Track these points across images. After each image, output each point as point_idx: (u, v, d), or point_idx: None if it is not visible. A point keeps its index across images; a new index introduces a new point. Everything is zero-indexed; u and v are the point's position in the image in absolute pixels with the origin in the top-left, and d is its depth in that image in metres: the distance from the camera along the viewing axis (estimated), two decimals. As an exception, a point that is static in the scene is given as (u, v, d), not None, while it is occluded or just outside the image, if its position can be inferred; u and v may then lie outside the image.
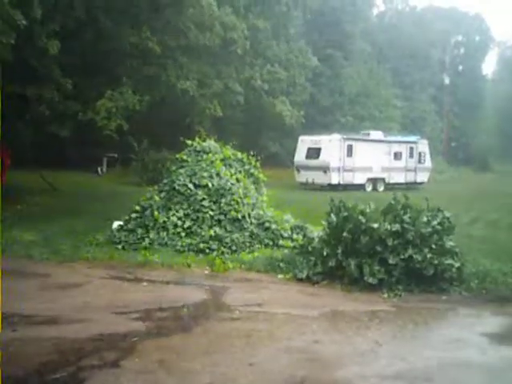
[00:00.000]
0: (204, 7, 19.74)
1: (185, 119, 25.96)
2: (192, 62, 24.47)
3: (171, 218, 11.88)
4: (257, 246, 12.22)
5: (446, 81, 62.58)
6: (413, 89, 52.76)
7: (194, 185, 12.31)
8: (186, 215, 12.04)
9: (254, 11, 29.73)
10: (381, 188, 29.20)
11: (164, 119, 26.86)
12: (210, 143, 13.46)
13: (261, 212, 12.92)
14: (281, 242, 12.39)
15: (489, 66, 69.06)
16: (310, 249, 11.16)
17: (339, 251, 10.50)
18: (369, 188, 28.86)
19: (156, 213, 11.94)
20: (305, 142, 28.66)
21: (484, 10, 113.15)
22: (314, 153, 27.92)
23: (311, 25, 36.99)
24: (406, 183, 30.40)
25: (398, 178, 30.29)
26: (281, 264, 11.22)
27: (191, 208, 12.09)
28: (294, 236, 12.59)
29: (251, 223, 12.44)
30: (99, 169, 30.65)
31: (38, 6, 14.25)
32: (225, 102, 26.91)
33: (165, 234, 11.74)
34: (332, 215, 11.12)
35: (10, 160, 21.81)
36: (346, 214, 10.84)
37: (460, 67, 63.93)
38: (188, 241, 11.67)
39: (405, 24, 53.74)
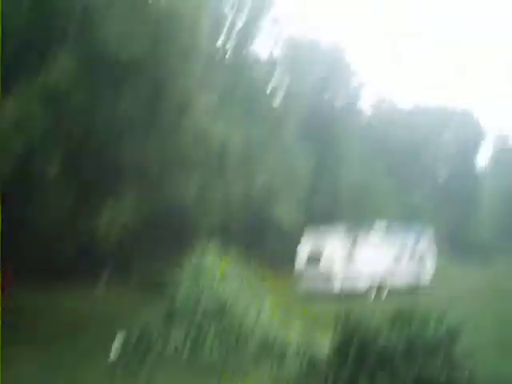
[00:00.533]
0: (200, 123, 20.25)
1: (184, 230, 25.85)
2: (189, 175, 24.74)
3: (171, 339, 11.37)
4: (261, 365, 11.61)
5: (441, 179, 63.49)
6: (409, 186, 53.27)
7: (194, 303, 11.90)
8: (187, 336, 11.55)
9: (248, 121, 30.68)
10: (384, 293, 28.22)
11: (164, 231, 26.71)
12: (210, 255, 13.21)
13: (264, 327, 12.41)
14: (286, 359, 11.80)
15: (482, 161, 70.18)
16: (317, 366, 10.66)
17: (347, 371, 10.04)
18: (372, 294, 27.80)
19: (155, 335, 11.46)
20: (305, 247, 28.11)
21: (472, 104, 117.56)
22: (315, 258, 27.27)
23: (304, 131, 38.07)
24: (409, 286, 29.54)
25: (402, 280, 29.45)
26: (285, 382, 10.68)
27: (192, 328, 11.62)
28: (301, 352, 12.01)
29: (253, 342, 11.89)
30: (97, 287, 29.92)
31: (36, 133, 14.46)
32: (223, 211, 26.91)
33: (165, 356, 11.19)
34: (338, 332, 10.74)
35: (10, 281, 21.26)
36: (352, 331, 10.50)
37: (454, 162, 64.88)
38: (190, 362, 11.10)
39: (394, 127, 55.35)
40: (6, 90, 16.10)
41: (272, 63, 36.72)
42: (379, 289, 28.18)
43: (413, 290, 28.58)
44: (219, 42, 36.24)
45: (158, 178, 21.57)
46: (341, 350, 10.52)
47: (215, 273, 12.63)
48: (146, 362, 11.18)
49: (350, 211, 39.54)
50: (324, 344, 11.59)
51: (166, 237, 24.16)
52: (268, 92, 34.87)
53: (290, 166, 31.73)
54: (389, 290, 28.37)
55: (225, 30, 35.74)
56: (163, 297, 12.43)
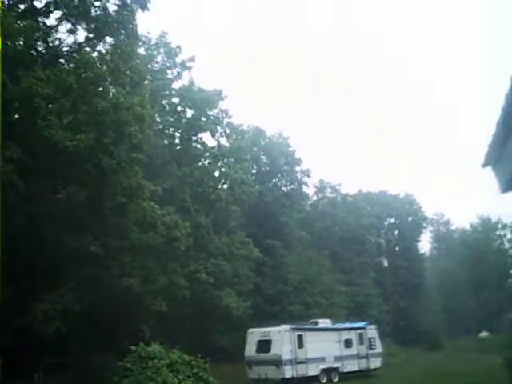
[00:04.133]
0: (146, 210, 20.31)
1: (129, 317, 25.07)
2: (135, 260, 24.43)
3: None
4: None
5: (385, 263, 64.60)
6: (354, 273, 53.96)
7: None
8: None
9: (196, 208, 30.98)
10: (335, 378, 27.95)
11: (107, 319, 25.75)
12: (155, 347, 12.77)
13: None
14: None
15: (425, 244, 72.09)
16: None
17: None
18: (323, 379, 27.46)
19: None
20: (254, 335, 27.61)
21: (414, 188, 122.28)
22: (264, 346, 26.77)
23: (250, 217, 38.55)
24: (360, 371, 29.40)
25: (352, 366, 29.25)
26: None
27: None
28: None
29: None
30: (36, 376, 28.14)
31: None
32: (170, 297, 26.40)
33: None
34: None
35: None
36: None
37: (397, 248, 66.43)
38: None
39: (338, 211, 56.73)
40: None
41: (220, 152, 37.66)
42: (330, 373, 27.92)
43: (363, 374, 28.43)
44: (170, 132, 37.16)
45: (103, 266, 21.20)
46: None
47: (162, 365, 12.18)
48: None
49: (296, 300, 39.62)
50: None
51: (109, 324, 23.28)
52: (217, 179, 35.49)
53: (236, 254, 31.91)
54: (340, 375, 28.10)
55: (175, 119, 36.74)
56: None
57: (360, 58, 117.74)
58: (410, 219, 67.20)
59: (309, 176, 49.40)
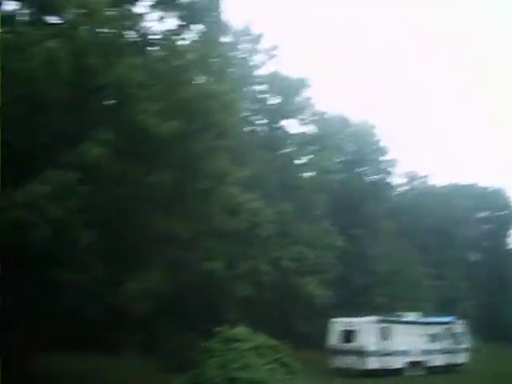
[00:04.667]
0: (231, 195, 20.51)
1: (212, 300, 25.65)
2: (219, 245, 24.90)
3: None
4: None
5: (474, 257, 62.17)
6: (442, 267, 52.24)
7: (224, 378, 11.50)
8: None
9: (280, 195, 31.04)
10: (419, 372, 27.31)
11: (191, 300, 26.55)
12: (241, 330, 12.85)
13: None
14: None
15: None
16: None
17: None
18: (408, 373, 26.95)
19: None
20: (338, 325, 27.48)
21: (504, 183, 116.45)
22: (348, 336, 26.63)
23: (335, 206, 38.04)
24: (445, 365, 28.43)
25: (437, 360, 28.45)
26: None
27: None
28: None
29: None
30: (124, 352, 29.50)
31: (73, 200, 14.87)
32: (252, 283, 26.74)
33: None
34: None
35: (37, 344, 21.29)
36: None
37: (486, 243, 63.74)
38: None
39: (426, 202, 54.89)
40: (46, 161, 16.79)
41: (304, 139, 37.52)
42: (414, 367, 27.24)
43: (448, 369, 27.46)
44: (254, 120, 37.45)
45: (188, 249, 21.72)
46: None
47: (247, 348, 12.24)
48: None
49: (382, 292, 38.82)
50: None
51: (193, 306, 23.93)
52: (300, 167, 35.41)
53: (320, 242, 31.61)
54: (424, 368, 27.53)
55: (260, 107, 36.99)
56: (192, 370, 12.08)
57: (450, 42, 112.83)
58: (500, 214, 64.07)
59: (396, 166, 48.28)
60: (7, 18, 18.44)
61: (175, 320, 25.49)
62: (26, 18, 18.74)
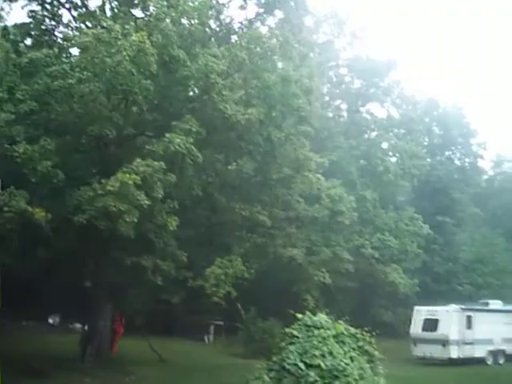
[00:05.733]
0: (312, 182, 20.48)
1: (292, 287, 25.86)
2: (300, 231, 25.00)
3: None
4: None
5: None
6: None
7: (305, 364, 11.55)
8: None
9: (362, 182, 30.58)
10: (501, 360, 26.41)
11: (271, 287, 26.93)
12: (322, 317, 12.82)
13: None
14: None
15: None
16: None
17: None
18: (489, 361, 26.17)
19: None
20: (421, 313, 27.04)
21: None
22: (431, 325, 26.13)
23: (420, 192, 36.91)
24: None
25: None
26: None
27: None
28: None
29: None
30: (206, 337, 30.48)
31: (159, 187, 15.42)
32: (334, 270, 26.67)
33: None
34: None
35: (123, 329, 22.51)
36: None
37: None
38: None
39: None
40: (133, 150, 17.54)
41: (390, 123, 36.67)
42: (496, 355, 26.53)
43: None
44: (335, 104, 37.01)
45: (269, 236, 22.00)
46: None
47: (327, 335, 12.23)
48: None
49: (465, 280, 37.53)
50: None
51: (273, 292, 24.25)
52: (385, 151, 34.63)
53: (404, 229, 30.86)
54: (506, 356, 26.66)
55: (343, 91, 36.50)
56: (272, 352, 12.25)
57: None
58: None
59: (485, 149, 46.17)
60: (94, 14, 19.37)
61: (255, 305, 25.93)
62: (112, 12, 19.56)
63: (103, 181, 15.13)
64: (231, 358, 23.51)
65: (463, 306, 26.69)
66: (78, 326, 25.70)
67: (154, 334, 23.47)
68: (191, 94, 18.21)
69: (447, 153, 44.28)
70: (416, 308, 27.51)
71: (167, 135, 15.68)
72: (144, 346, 21.66)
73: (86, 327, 21.31)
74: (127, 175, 14.61)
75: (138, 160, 15.29)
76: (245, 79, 18.71)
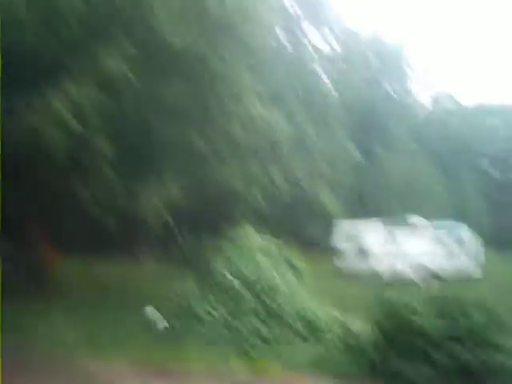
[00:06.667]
0: (252, 111, 20.48)
1: (229, 213, 26.26)
2: (237, 160, 25.16)
3: (206, 306, 11.62)
4: (296, 339, 11.77)
5: (498, 176, 61.53)
6: (458, 180, 51.78)
7: (232, 273, 12.13)
8: (223, 305, 11.79)
9: (301, 112, 30.79)
10: (426, 277, 27.71)
11: (208, 212, 27.23)
12: (249, 231, 13.37)
13: (301, 305, 12.54)
14: (321, 335, 11.90)
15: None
16: (353, 345, 10.75)
17: (385, 349, 10.10)
18: (413, 277, 27.32)
19: (191, 301, 11.73)
20: (345, 228, 28.05)
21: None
22: (354, 239, 27.20)
23: (357, 123, 37.67)
24: (454, 273, 28.58)
25: (445, 268, 28.61)
26: (322, 361, 10.79)
27: (228, 297, 11.86)
28: (335, 329, 12.09)
29: (291, 317, 12.05)
30: (139, 256, 30.83)
31: (93, 114, 15.04)
32: (269, 196, 27.13)
33: (199, 323, 11.44)
34: (378, 310, 10.80)
35: (55, 255, 22.35)
36: (392, 309, 10.55)
37: (506, 161, 62.70)
38: (224, 332, 11.35)
39: (453, 122, 53.98)
40: (66, 72, 16.91)
41: (331, 55, 36.76)
42: (421, 272, 27.75)
43: (459, 280, 27.79)
44: (279, 34, 36.58)
45: (205, 161, 22.05)
46: (379, 329, 10.57)
47: (254, 249, 12.79)
48: (186, 331, 11.46)
49: (395, 205, 39.00)
50: (362, 323, 11.65)
51: (209, 217, 24.61)
52: (325, 83, 34.88)
53: (338, 158, 31.56)
54: (431, 275, 27.78)
55: (286, 22, 36.01)
56: (202, 271, 12.73)
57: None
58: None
59: (424, 85, 47.25)
60: None
61: (192, 229, 26.25)
62: None
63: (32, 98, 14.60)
64: (165, 276, 23.94)
65: (383, 220, 27.61)
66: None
67: (88, 256, 23.48)
68: (123, 13, 17.54)
69: (386, 86, 45.02)
70: (339, 222, 28.46)
71: (98, 57, 15.20)
72: (81, 271, 21.75)
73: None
74: (58, 102, 14.13)
75: (68, 83, 14.81)
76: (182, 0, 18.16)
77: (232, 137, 22.60)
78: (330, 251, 28.92)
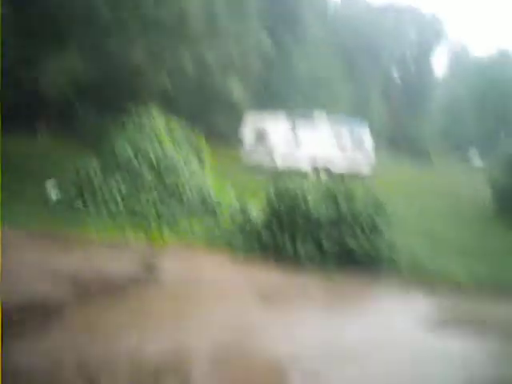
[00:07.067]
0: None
1: (134, 91, 25.37)
2: (145, 35, 23.95)
3: (108, 181, 11.61)
4: (197, 221, 12.18)
5: (396, 76, 63.79)
6: (363, 82, 53.29)
7: (134, 151, 12.08)
8: (124, 180, 11.83)
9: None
10: (324, 175, 29.18)
11: (113, 89, 26.11)
12: (155, 114, 13.20)
13: (203, 189, 12.87)
14: (220, 214, 12.39)
15: (440, 66, 70.75)
16: (249, 228, 11.33)
17: (277, 230, 10.74)
18: (312, 174, 28.70)
19: (92, 175, 11.63)
20: (252, 123, 28.30)
21: (440, 10, 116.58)
22: (260, 134, 27.65)
23: (270, 9, 36.63)
24: (349, 172, 30.38)
25: (341, 166, 30.32)
26: (219, 240, 11.31)
27: (129, 174, 11.90)
28: (235, 214, 12.62)
29: (191, 193, 12.36)
30: (39, 131, 29.42)
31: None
32: (175, 78, 26.38)
33: (100, 197, 11.46)
34: (272, 196, 11.35)
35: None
36: (286, 196, 11.12)
37: (410, 64, 65.13)
38: (124, 206, 11.48)
39: (360, 20, 54.34)
40: None
41: None
42: (319, 170, 29.08)
43: (351, 175, 29.44)
44: None
45: (111, 35, 20.86)
46: (271, 211, 11.19)
47: (158, 130, 12.71)
48: (84, 205, 11.46)
49: (299, 98, 39.61)
50: (259, 208, 12.24)
51: (115, 95, 23.69)
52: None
53: (247, 41, 30.70)
54: (328, 173, 28.75)
55: None
56: (103, 149, 12.50)
57: None
58: (430, 38, 64.95)
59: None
60: None
61: (95, 107, 25.25)
62: None
63: None
64: (66, 151, 23.24)
65: (292, 119, 28.20)
66: None
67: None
68: None
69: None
70: (248, 118, 28.70)
71: None
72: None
73: None
74: None
75: None
76: None
77: (140, 10, 21.42)
78: (236, 143, 29.14)
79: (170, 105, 27.70)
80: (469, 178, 40.90)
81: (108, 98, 23.11)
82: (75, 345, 5.78)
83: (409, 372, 6.32)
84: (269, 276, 9.91)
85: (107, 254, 9.83)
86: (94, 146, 16.38)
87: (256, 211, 12.39)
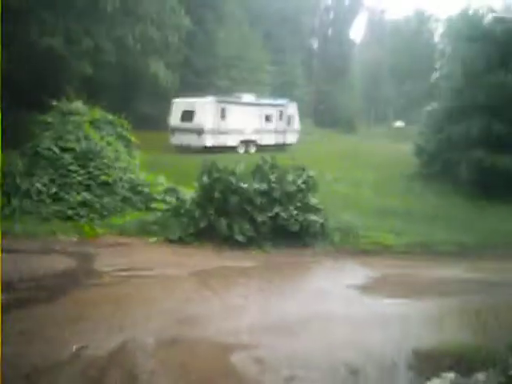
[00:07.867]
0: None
1: (53, 78, 24.38)
2: (57, 18, 22.98)
3: (35, 184, 11.29)
4: (128, 210, 12.10)
5: (315, 45, 64.57)
6: (283, 53, 53.69)
7: (60, 148, 11.78)
8: (52, 181, 11.55)
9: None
10: (252, 150, 29.72)
11: (31, 79, 24.98)
12: (78, 104, 12.84)
13: (132, 175, 12.75)
14: (153, 205, 12.36)
15: (357, 32, 72.18)
16: (182, 211, 11.34)
17: (210, 212, 10.85)
18: (241, 150, 29.24)
19: (18, 179, 11.27)
20: (179, 105, 28.38)
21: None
22: (188, 116, 27.72)
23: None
24: (276, 144, 31.05)
25: (269, 139, 30.95)
26: (153, 227, 11.29)
27: (57, 173, 11.62)
28: (167, 199, 12.61)
29: (122, 187, 12.26)
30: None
31: None
32: (95, 62, 25.59)
33: (28, 201, 11.14)
34: (203, 177, 11.39)
35: None
36: (217, 175, 11.19)
37: (329, 32, 66.00)
38: (54, 208, 11.24)
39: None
40: None
41: None
42: (248, 145, 29.66)
43: (279, 148, 30.15)
44: None
45: (21, 21, 19.90)
46: (204, 193, 11.25)
47: (84, 122, 12.41)
48: (6, 208, 11.07)
49: (223, 75, 39.68)
50: (191, 189, 12.27)
51: (33, 85, 22.70)
52: None
53: (167, 21, 30.20)
54: (258, 147, 29.80)
55: None
56: (27, 146, 12.09)
57: None
58: (346, 3, 66.08)
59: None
60: None
61: (8, 95, 24.11)
62: None
63: None
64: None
65: (217, 98, 28.55)
66: None
67: None
68: None
69: None
70: (175, 100, 28.75)
71: None
72: None
73: None
74: None
75: None
76: None
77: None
78: (164, 125, 29.04)
79: (93, 93, 27.00)
80: (391, 140, 42.62)
81: (28, 91, 22.16)
82: (11, 351, 5.68)
83: (349, 338, 6.64)
84: (206, 258, 10.05)
85: (38, 254, 9.63)
86: (16, 144, 15.83)
87: (188, 192, 12.44)
